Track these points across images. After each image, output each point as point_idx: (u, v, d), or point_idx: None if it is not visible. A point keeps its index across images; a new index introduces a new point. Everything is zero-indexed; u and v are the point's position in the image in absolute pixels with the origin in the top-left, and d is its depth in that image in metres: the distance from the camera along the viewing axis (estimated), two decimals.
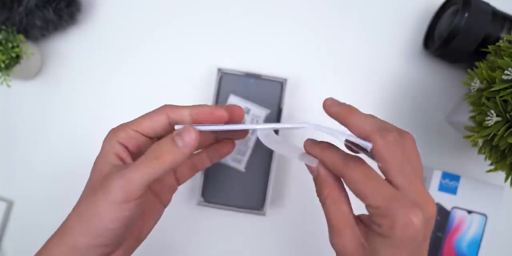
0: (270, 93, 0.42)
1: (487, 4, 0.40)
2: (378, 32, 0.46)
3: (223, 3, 0.46)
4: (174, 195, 0.45)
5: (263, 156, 0.42)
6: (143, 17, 0.46)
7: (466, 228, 0.41)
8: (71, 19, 0.44)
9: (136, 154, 0.28)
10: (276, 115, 0.42)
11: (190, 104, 0.33)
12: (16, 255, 0.45)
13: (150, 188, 0.31)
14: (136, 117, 0.30)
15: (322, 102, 0.29)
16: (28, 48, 0.42)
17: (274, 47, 0.46)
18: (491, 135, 0.33)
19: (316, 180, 0.27)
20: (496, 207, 0.41)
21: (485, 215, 0.41)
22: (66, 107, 0.46)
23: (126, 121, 0.29)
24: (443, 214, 0.41)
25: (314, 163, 0.27)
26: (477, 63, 0.37)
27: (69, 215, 0.26)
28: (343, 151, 0.27)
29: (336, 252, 0.26)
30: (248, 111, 0.42)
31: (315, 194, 0.36)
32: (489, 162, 0.46)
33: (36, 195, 0.45)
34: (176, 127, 0.26)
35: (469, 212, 0.41)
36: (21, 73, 0.43)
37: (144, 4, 0.46)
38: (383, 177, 0.25)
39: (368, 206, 0.24)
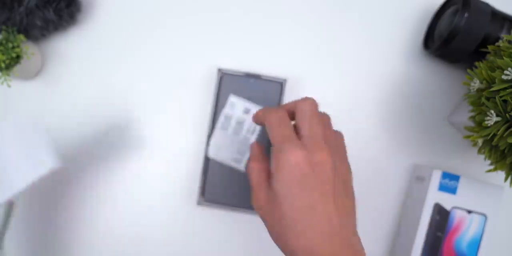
0: (270, 93, 0.42)
1: (487, 4, 0.40)
2: (378, 32, 0.46)
3: (223, 3, 0.46)
4: (173, 194, 0.45)
5: None
6: (143, 17, 0.46)
7: (466, 228, 0.41)
8: (71, 19, 0.44)
9: None
10: None
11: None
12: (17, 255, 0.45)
13: None
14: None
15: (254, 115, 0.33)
16: (29, 48, 0.42)
17: (274, 47, 0.46)
18: (490, 135, 0.33)
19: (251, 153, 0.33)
20: (496, 207, 0.41)
21: (485, 215, 0.41)
22: (66, 107, 0.46)
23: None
24: (443, 214, 0.41)
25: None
26: (476, 63, 0.37)
27: None
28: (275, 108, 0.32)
29: (256, 210, 0.30)
30: (248, 111, 0.42)
31: None
32: (489, 162, 0.46)
33: (35, 195, 0.45)
34: None
35: (469, 212, 0.41)
36: (21, 73, 0.43)
37: (144, 4, 0.46)
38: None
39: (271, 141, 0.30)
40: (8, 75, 0.40)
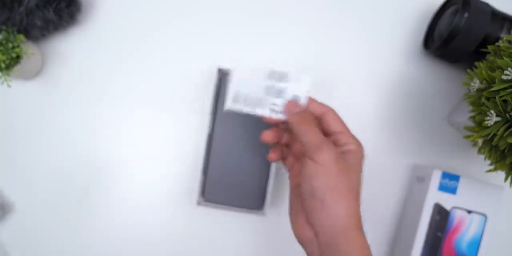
0: None
1: (487, 4, 0.40)
2: (378, 32, 0.46)
3: (223, 3, 0.46)
4: (173, 194, 0.45)
5: (263, 156, 0.42)
6: (143, 17, 0.46)
7: (466, 228, 0.41)
8: (71, 19, 0.44)
9: None
10: None
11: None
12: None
13: None
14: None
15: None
16: (29, 48, 0.42)
17: (274, 47, 0.46)
18: (490, 135, 0.33)
19: (303, 114, 0.34)
20: (496, 207, 0.41)
21: (484, 215, 0.41)
22: (66, 107, 0.46)
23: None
24: (443, 214, 0.41)
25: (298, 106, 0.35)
26: (476, 63, 0.37)
27: None
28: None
29: (316, 165, 0.32)
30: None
31: None
32: (488, 162, 0.46)
33: (35, 196, 0.45)
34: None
35: (469, 212, 0.41)
36: (21, 73, 0.43)
37: (144, 4, 0.46)
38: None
39: (339, 132, 0.34)
40: (8, 75, 0.40)
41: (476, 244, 0.41)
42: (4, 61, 0.39)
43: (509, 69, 0.32)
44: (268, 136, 0.36)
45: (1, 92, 0.46)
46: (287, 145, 0.38)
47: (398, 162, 0.45)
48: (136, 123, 0.46)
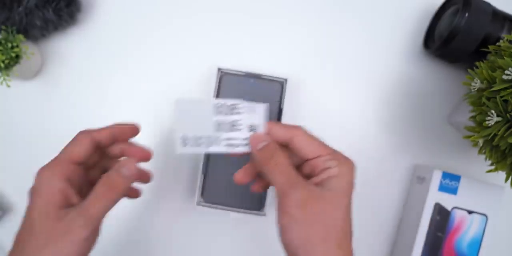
0: (270, 93, 0.42)
1: (488, 4, 0.40)
2: (378, 32, 0.46)
3: (223, 3, 0.46)
4: (173, 195, 0.45)
5: None
6: (143, 17, 0.46)
7: (467, 228, 0.41)
8: (71, 19, 0.44)
9: (77, 188, 0.29)
10: (276, 115, 0.42)
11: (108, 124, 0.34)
12: None
13: None
14: (62, 147, 0.31)
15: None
16: (28, 48, 0.42)
17: (274, 47, 0.46)
18: (491, 135, 0.32)
19: (265, 150, 0.30)
20: (497, 207, 0.41)
21: (485, 215, 0.41)
22: (66, 107, 0.46)
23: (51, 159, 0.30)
24: (443, 214, 0.41)
25: (263, 139, 0.30)
26: (477, 63, 0.37)
27: None
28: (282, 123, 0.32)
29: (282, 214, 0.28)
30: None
31: None
32: (489, 162, 0.46)
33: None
34: (122, 158, 0.29)
35: (470, 212, 0.41)
36: (21, 73, 0.43)
37: (144, 4, 0.46)
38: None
39: (314, 158, 0.29)
40: (7, 75, 0.40)
41: (476, 244, 0.41)
42: (3, 61, 0.39)
43: (510, 69, 0.31)
44: (240, 177, 0.32)
45: (1, 92, 0.46)
46: None
47: (398, 162, 0.45)
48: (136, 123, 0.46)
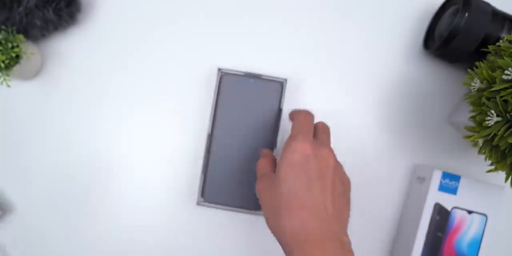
0: (270, 93, 0.42)
1: (488, 4, 0.40)
2: (378, 32, 0.46)
3: (224, 3, 0.46)
4: (173, 194, 0.45)
5: None
6: (143, 17, 0.46)
7: (466, 228, 0.41)
8: (71, 19, 0.44)
9: None
10: (276, 115, 0.42)
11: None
12: None
13: None
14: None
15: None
16: (28, 48, 0.42)
17: (275, 47, 0.46)
18: (491, 135, 0.32)
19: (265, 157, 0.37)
20: (497, 208, 0.41)
21: (485, 215, 0.41)
22: (66, 107, 0.46)
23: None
24: (443, 214, 0.41)
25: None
26: (477, 63, 0.37)
27: None
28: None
29: (258, 196, 0.34)
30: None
31: None
32: (489, 162, 0.46)
33: (35, 196, 0.45)
34: None
35: (469, 212, 0.41)
36: (21, 73, 0.43)
37: (144, 4, 0.46)
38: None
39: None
40: (7, 75, 0.40)
41: (476, 244, 0.41)
42: (3, 61, 0.39)
43: (510, 69, 0.31)
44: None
45: (1, 92, 0.46)
46: None
47: (398, 162, 0.45)
48: (136, 123, 0.46)
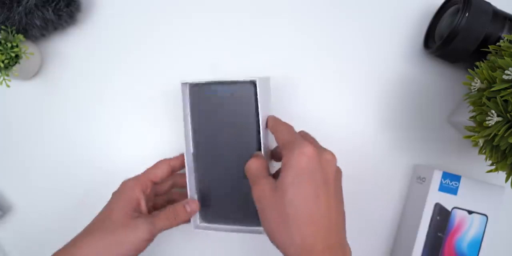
0: (244, 96, 0.37)
1: (488, 4, 0.40)
2: (378, 32, 0.46)
3: (222, 4, 0.46)
4: None
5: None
6: (142, 17, 0.46)
7: (467, 229, 0.41)
8: (71, 19, 0.44)
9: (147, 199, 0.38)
10: (256, 119, 0.37)
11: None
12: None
13: None
14: (145, 168, 0.39)
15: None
16: (28, 48, 0.42)
17: (274, 48, 0.46)
18: (491, 135, 0.32)
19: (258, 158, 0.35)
20: (497, 208, 0.41)
21: (485, 216, 0.41)
22: (66, 107, 0.46)
23: (139, 173, 0.38)
24: (444, 214, 0.41)
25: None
26: (477, 63, 0.37)
27: (85, 238, 0.35)
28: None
29: (256, 202, 0.32)
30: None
31: None
32: (489, 162, 0.46)
33: (35, 196, 0.45)
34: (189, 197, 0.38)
35: (470, 212, 0.41)
36: (21, 73, 0.43)
37: (144, 4, 0.46)
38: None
39: (279, 144, 0.34)
40: (7, 75, 0.40)
41: (477, 244, 0.41)
42: (3, 61, 0.39)
43: (510, 69, 0.31)
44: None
45: (1, 92, 0.46)
46: None
47: (398, 162, 0.45)
48: (135, 123, 0.46)
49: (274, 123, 0.36)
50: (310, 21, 0.46)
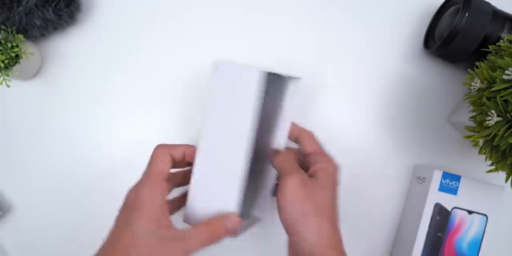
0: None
1: (488, 4, 0.40)
2: (379, 32, 0.46)
3: (224, 3, 0.46)
4: (172, 193, 0.45)
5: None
6: (142, 17, 0.46)
7: (467, 229, 0.41)
8: (71, 19, 0.44)
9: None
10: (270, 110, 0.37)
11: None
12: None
13: None
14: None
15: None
16: (28, 48, 0.42)
17: (275, 48, 0.46)
18: (491, 135, 0.32)
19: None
20: (497, 208, 0.41)
21: (485, 216, 0.41)
22: (66, 107, 0.46)
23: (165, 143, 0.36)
24: (444, 214, 0.41)
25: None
26: (477, 63, 0.37)
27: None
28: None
29: (288, 195, 0.32)
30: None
31: None
32: (489, 162, 0.46)
33: (35, 196, 0.45)
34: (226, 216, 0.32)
35: (470, 212, 0.41)
36: (21, 73, 0.43)
37: (144, 4, 0.46)
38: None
39: (311, 153, 0.36)
40: (7, 75, 0.40)
41: (477, 244, 0.41)
42: (3, 61, 0.39)
43: (510, 69, 0.31)
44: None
45: (1, 92, 0.46)
46: None
47: (398, 162, 0.45)
48: (135, 122, 0.46)
49: (301, 131, 0.38)
50: (310, 21, 0.46)
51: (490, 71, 0.34)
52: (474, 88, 0.35)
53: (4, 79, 0.40)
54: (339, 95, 0.46)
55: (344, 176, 0.45)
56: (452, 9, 0.42)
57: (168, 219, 0.30)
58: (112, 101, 0.46)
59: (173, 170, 0.34)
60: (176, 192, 0.37)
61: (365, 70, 0.46)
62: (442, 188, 0.41)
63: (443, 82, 0.46)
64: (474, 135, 0.35)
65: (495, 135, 0.32)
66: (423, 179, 0.43)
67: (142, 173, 0.32)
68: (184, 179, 0.36)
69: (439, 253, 0.41)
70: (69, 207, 0.45)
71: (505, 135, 0.31)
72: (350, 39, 0.46)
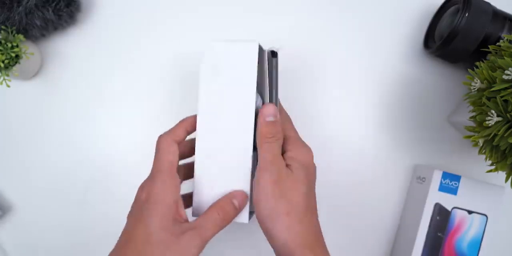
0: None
1: (488, 4, 0.40)
2: (378, 32, 0.46)
3: (223, 3, 0.46)
4: None
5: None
6: (142, 17, 0.46)
7: (467, 229, 0.41)
8: (71, 19, 0.44)
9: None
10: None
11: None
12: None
13: None
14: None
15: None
16: (28, 48, 0.42)
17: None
18: (491, 135, 0.32)
19: (272, 126, 0.33)
20: (497, 208, 0.41)
21: (485, 216, 0.41)
22: (66, 107, 0.46)
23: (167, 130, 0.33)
24: (444, 214, 0.41)
25: None
26: (477, 63, 0.37)
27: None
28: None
29: (262, 190, 0.30)
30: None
31: None
32: (489, 162, 0.46)
33: (35, 196, 0.45)
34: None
35: (470, 212, 0.41)
36: (21, 73, 0.43)
37: (144, 4, 0.46)
38: None
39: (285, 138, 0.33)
40: (7, 75, 0.40)
41: (477, 244, 0.41)
42: (3, 61, 0.39)
43: (510, 69, 0.31)
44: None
45: (1, 92, 0.46)
46: None
47: (398, 162, 0.45)
48: (135, 122, 0.46)
49: (283, 114, 0.36)
50: (310, 22, 0.46)
51: (490, 71, 0.34)
52: (474, 88, 0.35)
53: (4, 79, 0.40)
54: (338, 94, 0.46)
55: (344, 176, 0.45)
56: (452, 9, 0.42)
57: (181, 214, 0.30)
58: (112, 101, 0.46)
59: (181, 162, 0.33)
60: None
61: (365, 70, 0.46)
62: (442, 188, 0.41)
63: (443, 82, 0.46)
64: (474, 135, 0.35)
65: (495, 135, 0.32)
66: (423, 179, 0.43)
67: (151, 167, 0.31)
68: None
69: (439, 253, 0.41)
70: (69, 207, 0.45)
71: (505, 135, 0.31)
72: (350, 39, 0.46)
